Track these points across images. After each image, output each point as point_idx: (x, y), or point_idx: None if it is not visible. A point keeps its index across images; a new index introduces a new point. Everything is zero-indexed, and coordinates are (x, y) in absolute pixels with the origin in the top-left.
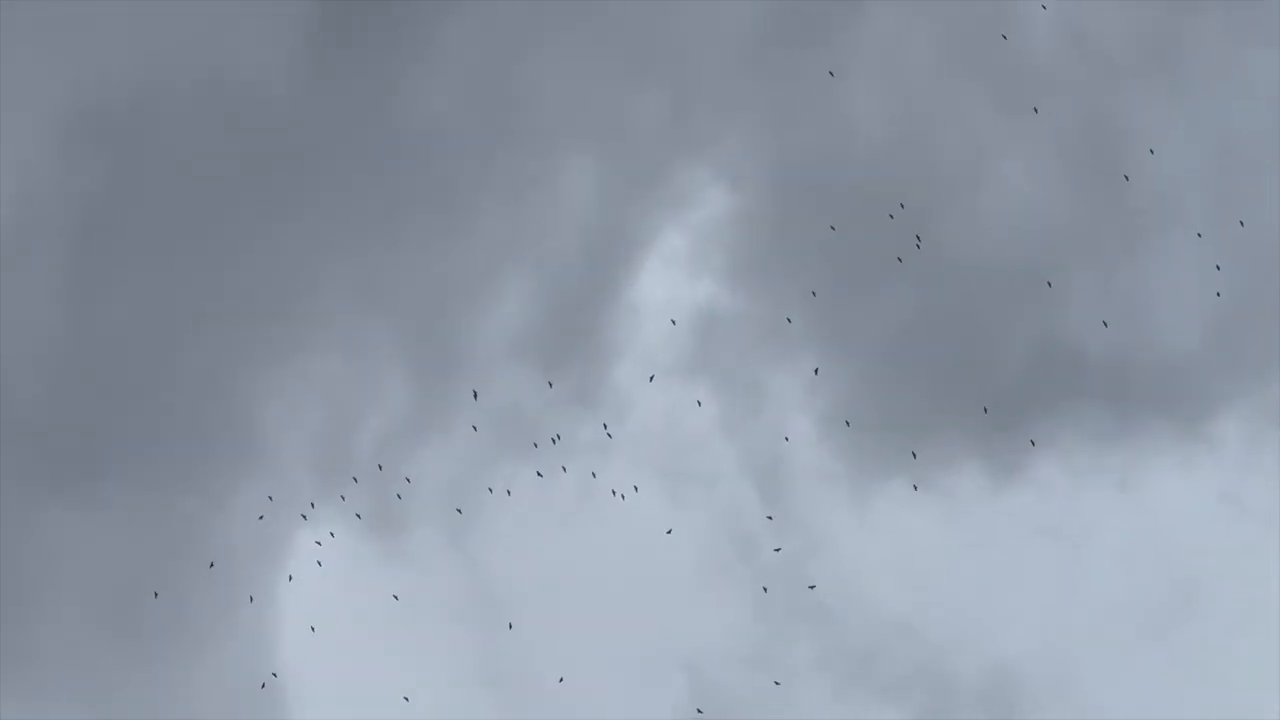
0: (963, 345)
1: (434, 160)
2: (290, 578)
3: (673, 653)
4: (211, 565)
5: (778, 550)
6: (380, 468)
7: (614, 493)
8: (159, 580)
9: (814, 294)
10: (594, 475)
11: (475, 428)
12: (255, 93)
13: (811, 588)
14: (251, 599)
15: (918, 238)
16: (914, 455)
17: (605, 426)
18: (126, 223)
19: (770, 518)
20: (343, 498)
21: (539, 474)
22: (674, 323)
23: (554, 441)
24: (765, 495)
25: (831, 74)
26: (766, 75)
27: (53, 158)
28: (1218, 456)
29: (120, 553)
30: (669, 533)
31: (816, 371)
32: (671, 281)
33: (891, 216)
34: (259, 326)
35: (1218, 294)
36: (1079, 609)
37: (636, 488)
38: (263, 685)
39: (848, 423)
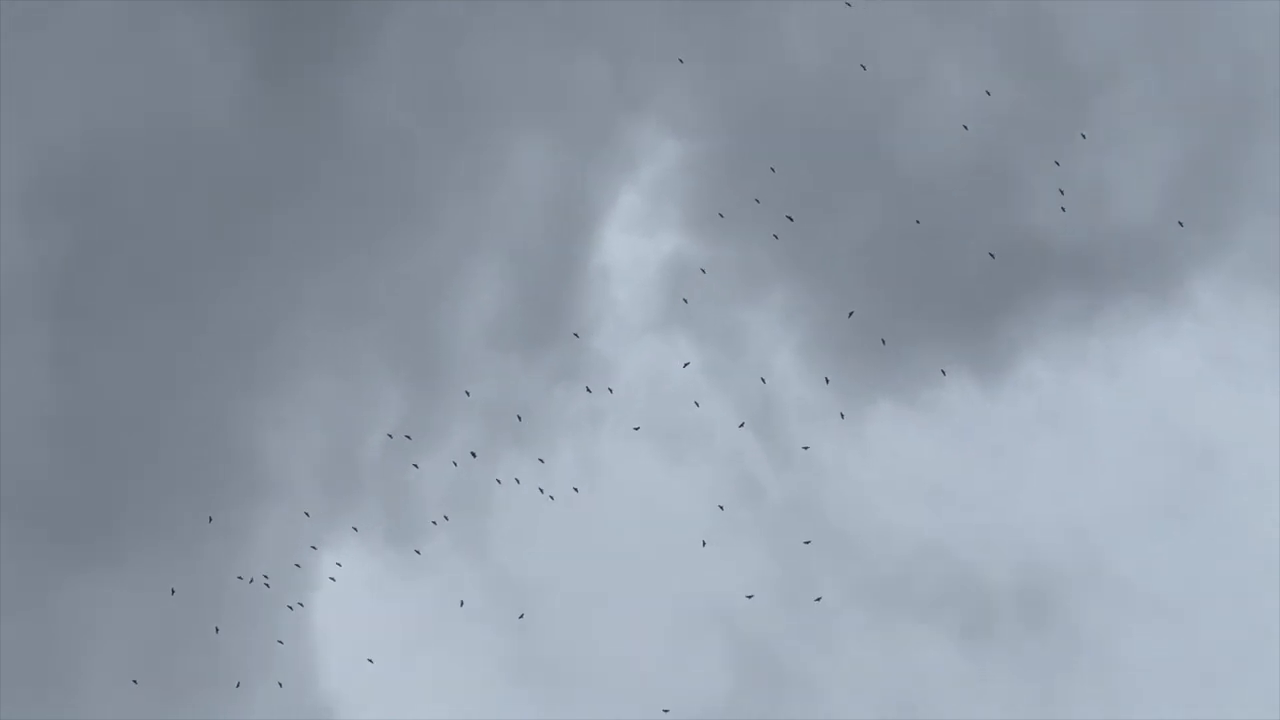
0: (928, 255)
1: (388, 163)
2: (301, 605)
3: (703, 609)
4: (250, 582)
5: (808, 543)
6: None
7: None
8: (189, 626)
9: (775, 236)
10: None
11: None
12: (205, 133)
13: (806, 543)
14: (281, 642)
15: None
16: (899, 373)
17: (589, 389)
18: (100, 281)
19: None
20: (355, 529)
21: (540, 460)
22: (642, 279)
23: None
24: (762, 438)
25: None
26: (698, 20)
27: (16, 229)
28: (1199, 320)
29: (148, 604)
30: (703, 545)
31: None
32: (634, 242)
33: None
34: (246, 360)
35: (1171, 160)
36: (1095, 495)
37: (636, 435)
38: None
39: (827, 380)
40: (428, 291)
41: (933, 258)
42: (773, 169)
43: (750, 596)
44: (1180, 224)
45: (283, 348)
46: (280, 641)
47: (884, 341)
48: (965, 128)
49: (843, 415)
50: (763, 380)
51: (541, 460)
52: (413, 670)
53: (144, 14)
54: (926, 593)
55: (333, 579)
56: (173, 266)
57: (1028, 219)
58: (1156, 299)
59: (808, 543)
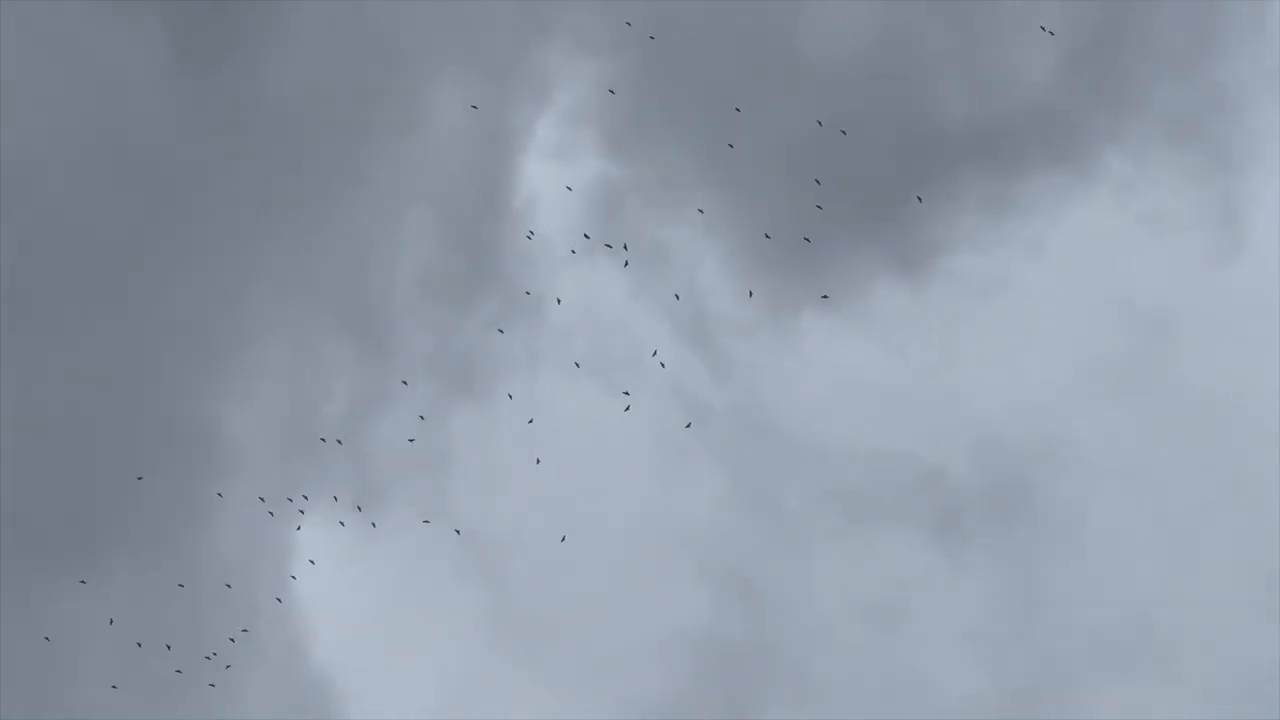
0: (839, 155)
1: (311, 126)
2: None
3: (669, 534)
4: (229, 586)
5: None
6: (340, 442)
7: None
8: (177, 619)
9: (700, 150)
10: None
11: (406, 381)
12: (127, 119)
13: (687, 425)
14: (279, 600)
15: None
16: (826, 278)
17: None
18: (39, 279)
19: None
20: (335, 498)
21: (510, 395)
22: (569, 189)
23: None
24: (700, 357)
25: None
26: None
27: None
28: (1117, 182)
29: (134, 605)
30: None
31: (701, 211)
32: (556, 170)
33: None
34: (196, 339)
35: (1050, 32)
36: (1045, 375)
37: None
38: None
39: (751, 294)
40: (361, 249)
41: (845, 157)
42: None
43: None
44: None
45: (232, 323)
46: (279, 599)
47: (808, 240)
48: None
49: (775, 327)
50: (677, 297)
51: (511, 395)
52: (397, 635)
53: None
54: (891, 495)
55: (311, 561)
56: (109, 260)
57: (932, 106)
58: (1073, 169)
59: (688, 425)
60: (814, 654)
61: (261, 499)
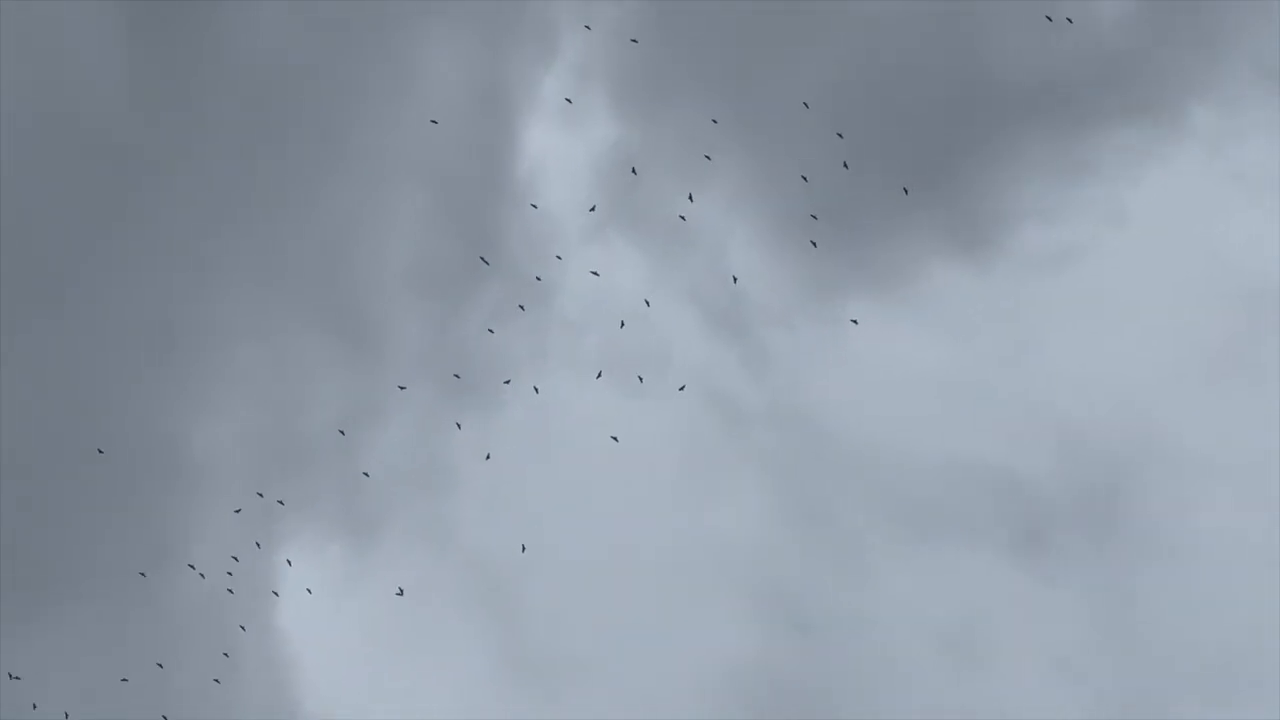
0: (886, 113)
1: (284, 99)
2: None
3: (707, 558)
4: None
5: None
6: (363, 473)
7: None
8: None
9: (715, 121)
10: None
11: (403, 387)
12: (81, 96)
13: (680, 388)
14: (243, 628)
15: None
16: (875, 258)
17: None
18: None
19: None
20: (366, 474)
21: (517, 396)
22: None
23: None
24: (734, 350)
25: None
26: None
27: None
28: (1205, 138)
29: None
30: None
31: (708, 158)
32: (564, 138)
33: None
34: (160, 341)
35: None
36: (1136, 364)
37: (600, 372)
38: None
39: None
40: (346, 229)
41: (893, 115)
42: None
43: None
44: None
45: (198, 324)
46: (242, 627)
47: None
48: None
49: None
50: (735, 279)
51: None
52: (394, 675)
53: None
54: (962, 508)
55: (309, 590)
56: (54, 254)
57: (992, 56)
58: (1154, 124)
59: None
60: (880, 691)
61: (238, 511)
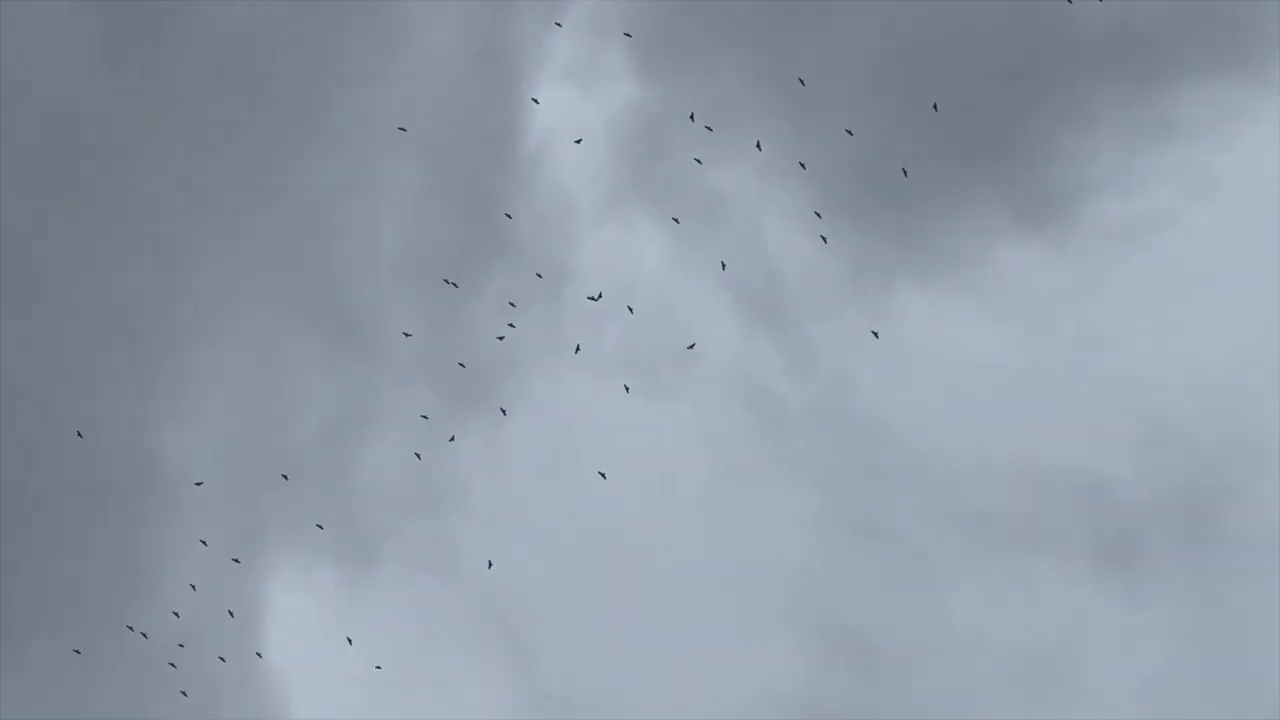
0: (936, 75)
1: (260, 66)
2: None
3: (747, 572)
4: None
5: None
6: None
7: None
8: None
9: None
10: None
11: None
12: (21, 73)
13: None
14: (222, 659)
15: None
16: (931, 234)
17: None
18: None
19: None
20: (320, 526)
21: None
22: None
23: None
24: (771, 341)
25: None
26: None
27: None
28: None
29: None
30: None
31: (759, 146)
32: (571, 99)
33: None
34: (124, 348)
35: None
36: (1233, 352)
37: (628, 387)
38: None
39: (824, 239)
40: (333, 218)
41: (944, 77)
42: None
43: None
44: None
45: (169, 323)
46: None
47: (905, 173)
48: None
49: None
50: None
51: (504, 411)
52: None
53: None
54: (1038, 515)
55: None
56: (9, 247)
57: (1059, 7)
58: (1237, 82)
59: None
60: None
61: (203, 542)
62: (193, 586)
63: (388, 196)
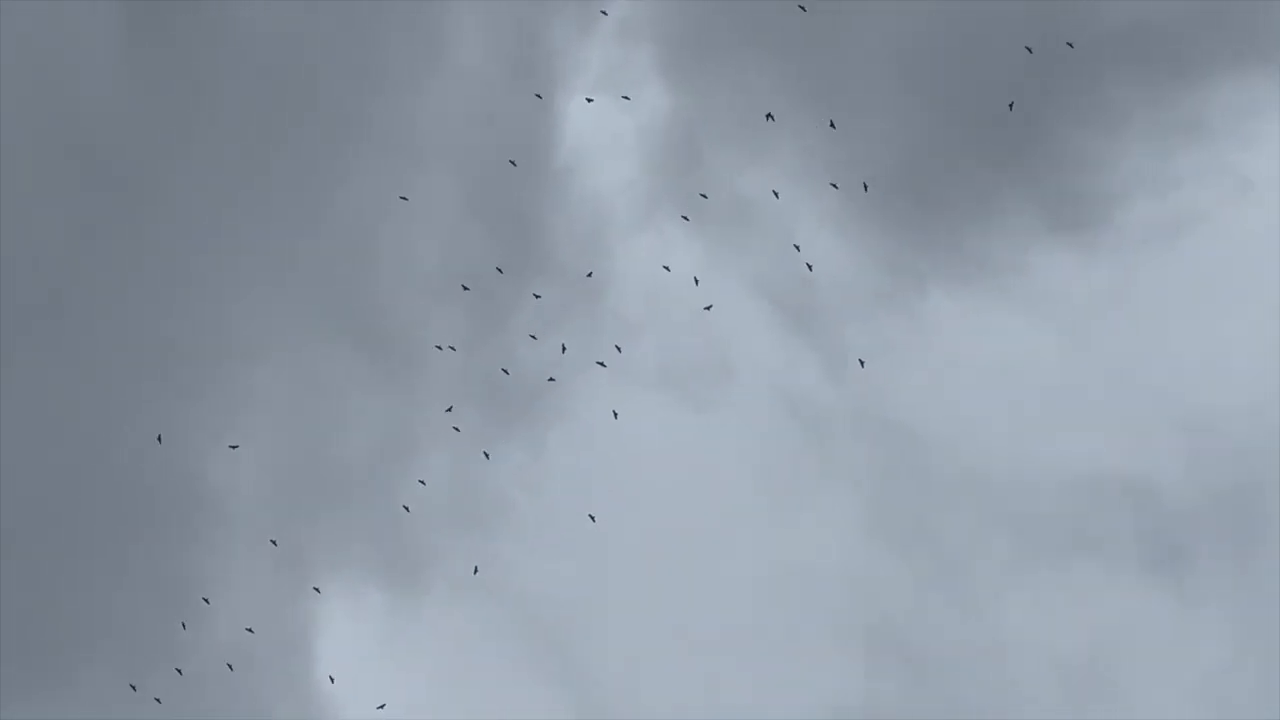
0: (965, 81)
1: (295, 83)
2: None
3: (794, 582)
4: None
5: None
6: (407, 509)
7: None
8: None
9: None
10: (615, 415)
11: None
12: (72, 89)
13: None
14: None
15: None
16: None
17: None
18: None
19: None
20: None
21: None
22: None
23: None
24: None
25: None
26: None
27: None
28: None
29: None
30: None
31: (832, 124)
32: (606, 106)
33: None
34: (166, 370)
35: None
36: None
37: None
38: None
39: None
40: (373, 235)
41: (974, 77)
42: None
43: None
44: None
45: (211, 343)
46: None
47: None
48: None
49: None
50: (810, 267)
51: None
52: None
53: None
54: (1085, 521)
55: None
56: (48, 270)
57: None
58: (1263, 76)
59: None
60: None
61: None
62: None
63: (425, 212)
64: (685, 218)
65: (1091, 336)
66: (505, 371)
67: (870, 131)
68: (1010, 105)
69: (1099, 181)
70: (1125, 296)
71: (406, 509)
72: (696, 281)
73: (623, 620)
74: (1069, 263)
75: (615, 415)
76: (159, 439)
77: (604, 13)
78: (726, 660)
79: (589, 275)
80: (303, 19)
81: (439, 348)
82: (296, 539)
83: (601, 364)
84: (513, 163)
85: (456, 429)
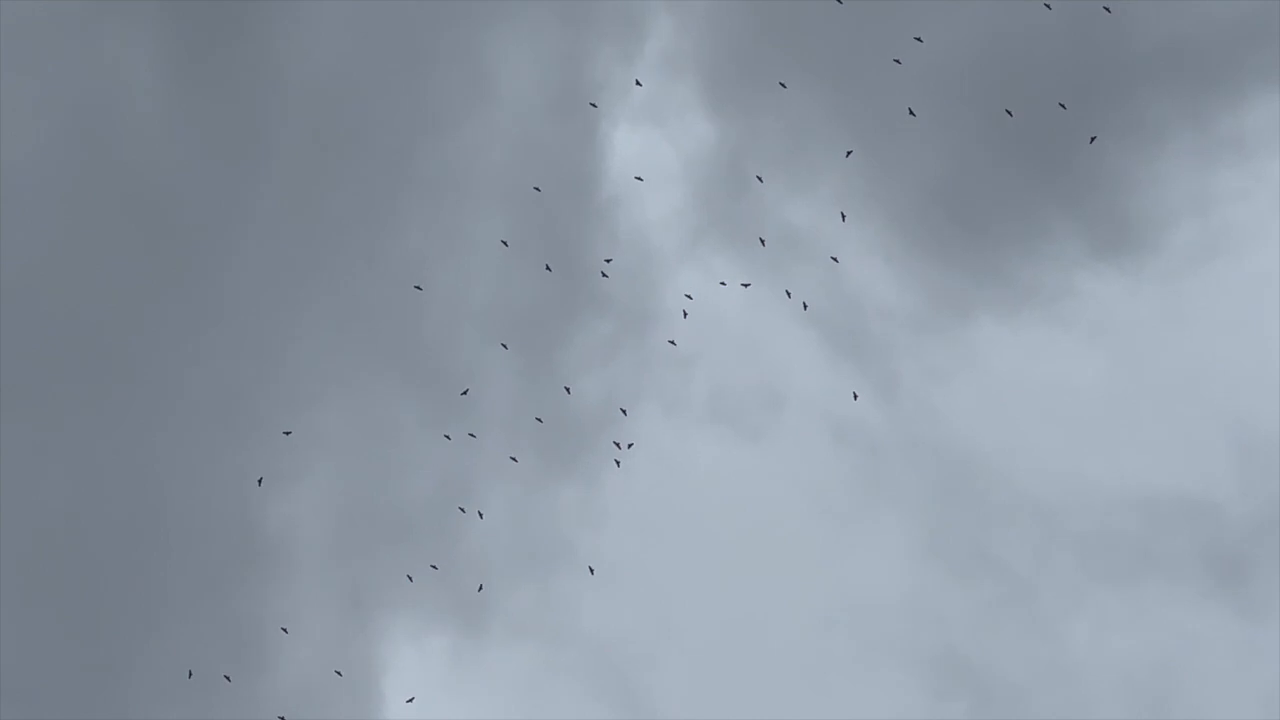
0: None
1: (343, 122)
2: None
3: (857, 611)
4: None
5: None
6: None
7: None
8: None
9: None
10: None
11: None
12: (110, 143)
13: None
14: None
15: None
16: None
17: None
18: (27, 353)
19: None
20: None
21: (617, 462)
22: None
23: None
24: (857, 373)
25: None
26: None
27: None
28: None
29: None
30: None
31: (849, 154)
32: (649, 138)
33: None
34: (223, 418)
35: None
36: None
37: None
38: None
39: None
40: (426, 275)
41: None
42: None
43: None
44: None
45: (268, 390)
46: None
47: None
48: None
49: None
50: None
51: (618, 462)
52: None
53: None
54: (1145, 540)
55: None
56: (102, 320)
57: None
58: None
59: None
60: None
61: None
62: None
63: (474, 250)
64: (762, 240)
65: (1143, 357)
66: (567, 390)
67: (911, 158)
68: (1091, 139)
69: (1142, 202)
70: (1174, 315)
71: (462, 509)
72: (743, 286)
73: (685, 656)
74: (1116, 285)
75: (672, 452)
76: (259, 482)
77: (639, 83)
78: (791, 692)
79: (604, 272)
80: (349, 61)
81: (464, 392)
82: (360, 580)
83: (623, 410)
84: (538, 189)
85: (514, 459)
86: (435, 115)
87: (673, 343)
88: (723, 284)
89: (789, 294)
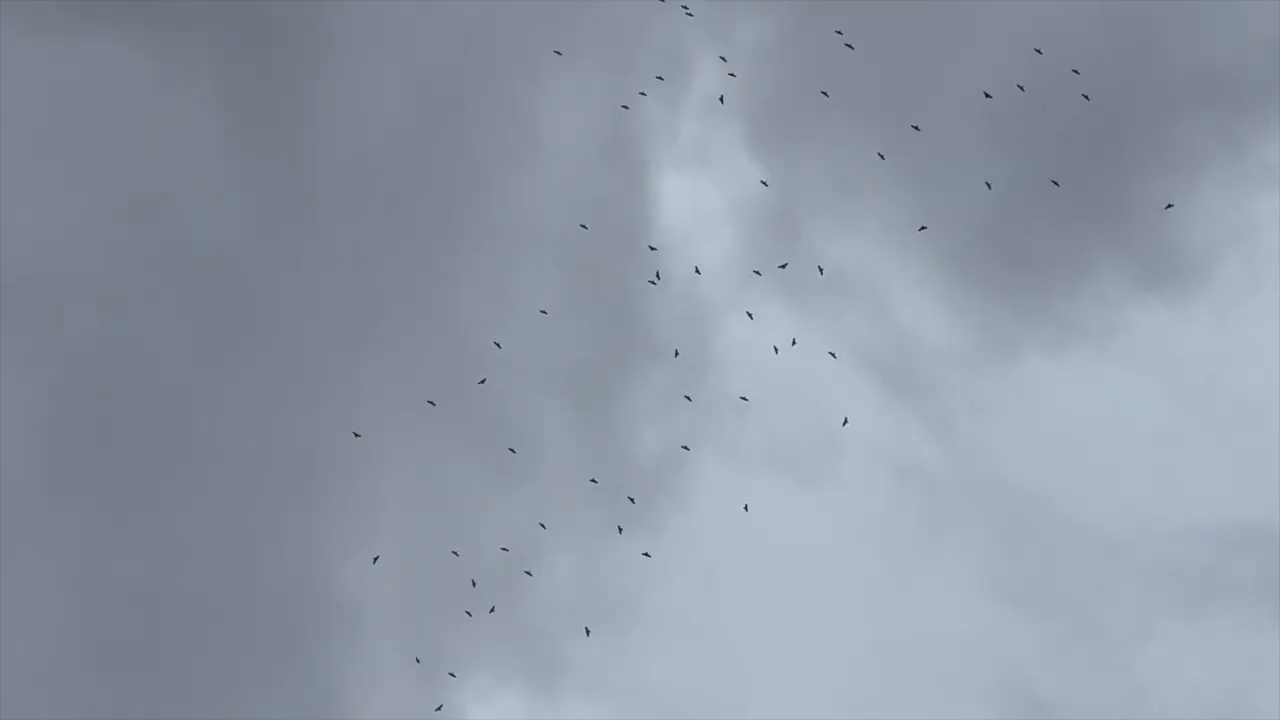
0: (1049, 142)
1: (393, 185)
2: None
3: (928, 651)
4: None
5: None
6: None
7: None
8: None
9: (880, 155)
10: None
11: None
12: (169, 216)
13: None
14: None
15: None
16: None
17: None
18: (78, 433)
19: None
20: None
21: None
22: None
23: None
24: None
25: None
26: None
27: None
28: None
29: None
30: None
31: (922, 229)
32: (697, 183)
33: None
34: (289, 484)
35: None
36: None
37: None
38: None
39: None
40: (483, 333)
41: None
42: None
43: None
44: None
45: (331, 453)
46: None
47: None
48: None
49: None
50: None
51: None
52: None
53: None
54: (1215, 571)
55: None
56: (164, 392)
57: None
58: None
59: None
60: None
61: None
62: None
63: (531, 301)
64: (820, 269)
65: (1195, 387)
66: (594, 480)
67: (959, 196)
68: (1168, 207)
69: (1183, 232)
70: (1223, 344)
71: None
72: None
73: (756, 704)
74: (1165, 318)
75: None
76: (374, 560)
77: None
78: None
79: (676, 354)
80: (396, 120)
81: (511, 450)
82: (432, 643)
83: (685, 448)
84: (584, 226)
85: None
86: (485, 169)
87: (744, 399)
88: (775, 349)
89: (833, 355)
